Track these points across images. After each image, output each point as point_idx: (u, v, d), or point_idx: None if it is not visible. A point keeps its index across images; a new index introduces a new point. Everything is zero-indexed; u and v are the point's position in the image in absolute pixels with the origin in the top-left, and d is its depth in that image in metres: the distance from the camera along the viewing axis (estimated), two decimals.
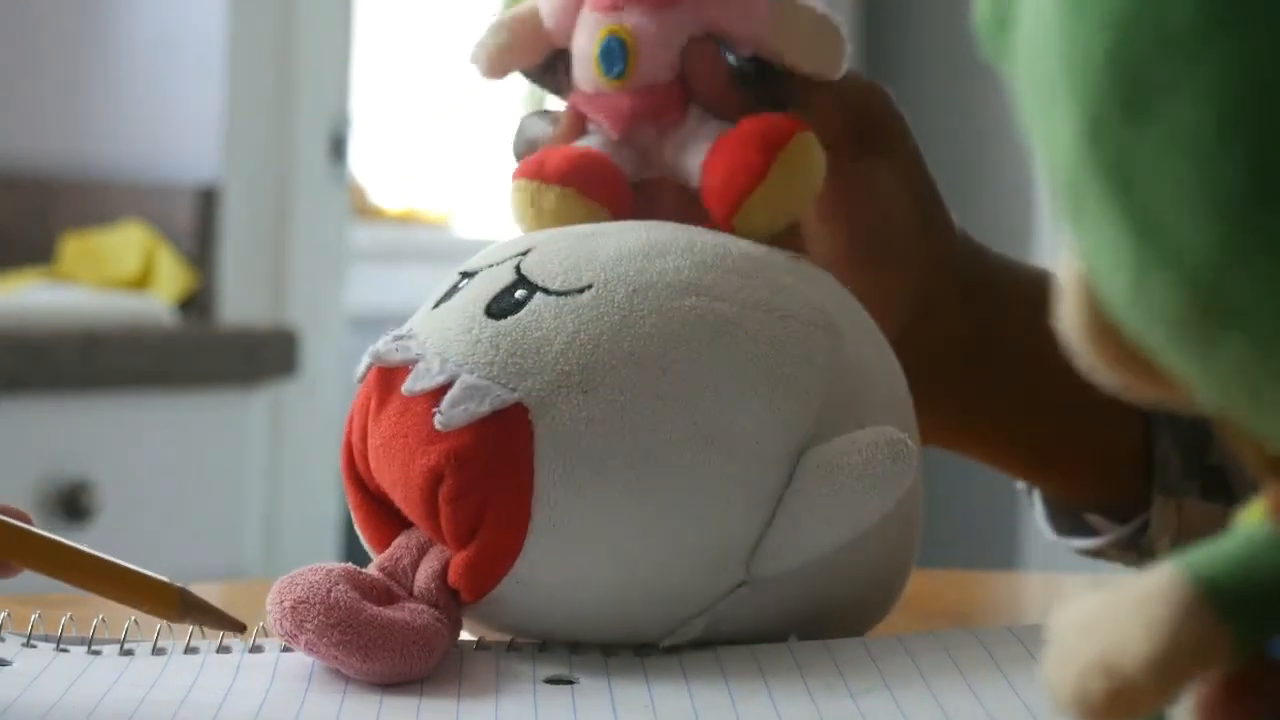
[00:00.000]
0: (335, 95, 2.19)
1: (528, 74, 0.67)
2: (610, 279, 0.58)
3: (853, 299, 0.62)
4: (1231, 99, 0.28)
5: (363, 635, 0.55)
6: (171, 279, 2.05)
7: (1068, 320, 0.33)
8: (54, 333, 1.83)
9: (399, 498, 0.58)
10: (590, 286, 0.57)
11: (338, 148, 2.18)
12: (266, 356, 1.99)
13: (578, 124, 0.66)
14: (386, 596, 0.57)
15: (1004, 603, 0.82)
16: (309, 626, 0.55)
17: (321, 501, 2.16)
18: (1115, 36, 0.29)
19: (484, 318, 0.58)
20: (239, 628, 0.57)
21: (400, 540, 0.59)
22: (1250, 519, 0.34)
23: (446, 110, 3.02)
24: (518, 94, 2.84)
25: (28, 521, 0.57)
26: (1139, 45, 0.29)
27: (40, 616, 0.60)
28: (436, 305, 0.60)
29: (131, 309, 1.94)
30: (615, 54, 0.64)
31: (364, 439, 0.59)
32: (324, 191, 2.18)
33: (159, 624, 0.59)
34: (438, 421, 0.56)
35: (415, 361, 0.58)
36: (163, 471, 1.93)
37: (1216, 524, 0.34)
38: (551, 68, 0.67)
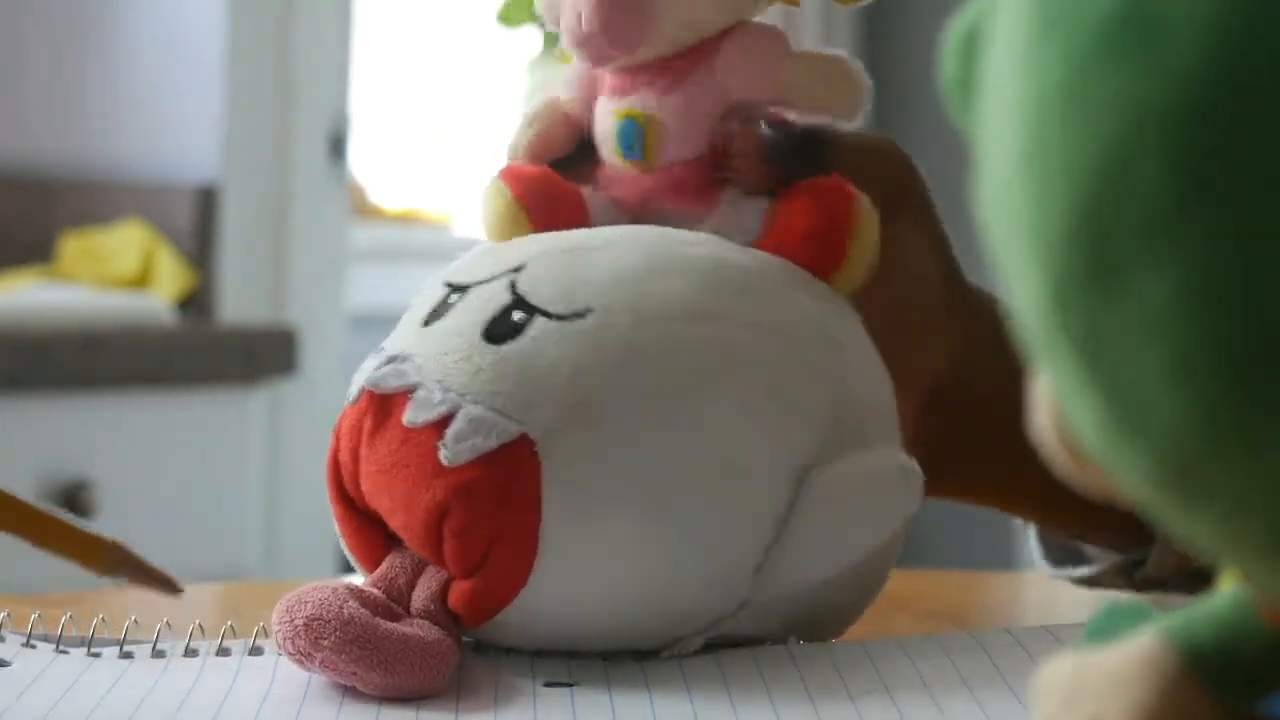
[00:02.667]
0: (335, 95, 2.19)
1: (558, 165, 0.66)
2: (611, 304, 0.57)
3: (846, 305, 0.61)
4: (1205, 279, 0.27)
5: (381, 650, 0.54)
6: (171, 278, 2.05)
7: (1041, 426, 0.32)
8: (54, 332, 1.83)
9: (398, 524, 0.57)
10: (591, 311, 0.56)
11: (337, 147, 2.18)
12: (266, 356, 1.99)
13: (562, 129, 0.65)
14: (390, 613, 0.56)
15: (1003, 603, 0.82)
16: (325, 644, 0.54)
17: (321, 501, 2.14)
18: (1081, 206, 0.28)
19: (483, 343, 0.56)
20: (172, 588, 0.54)
21: (393, 560, 0.58)
22: (1229, 582, 0.34)
23: (446, 110, 3.02)
24: (517, 94, 2.83)
25: None
26: (1107, 218, 0.27)
27: (40, 616, 0.60)
28: (427, 322, 0.59)
29: (131, 308, 1.94)
30: (631, 137, 0.62)
31: (355, 460, 0.58)
32: (324, 191, 2.18)
33: (159, 624, 0.59)
34: (443, 457, 0.55)
35: (413, 389, 0.56)
36: (162, 471, 1.93)
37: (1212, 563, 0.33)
38: (584, 153, 0.65)
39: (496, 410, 0.55)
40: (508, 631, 0.57)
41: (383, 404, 0.57)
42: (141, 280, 2.05)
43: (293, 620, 0.54)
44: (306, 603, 0.55)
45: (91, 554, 0.54)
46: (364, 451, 0.57)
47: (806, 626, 0.59)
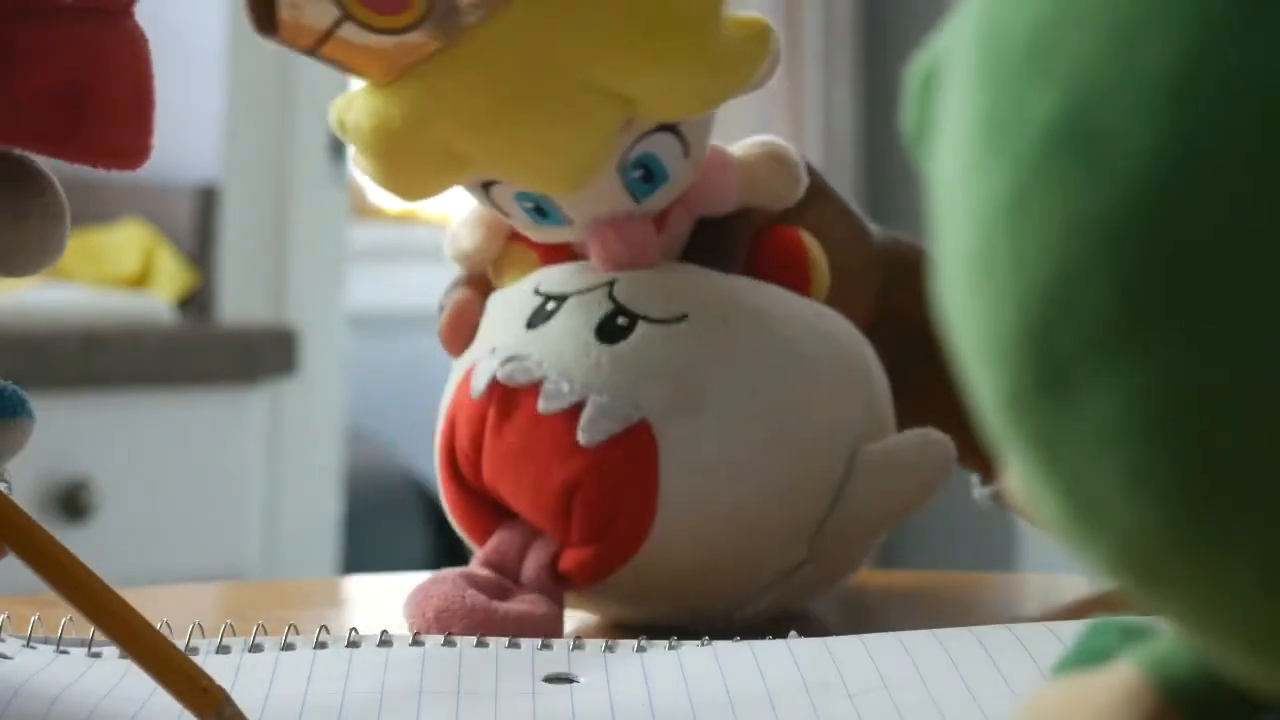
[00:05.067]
0: (335, 95, 2.19)
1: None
2: (703, 309, 0.66)
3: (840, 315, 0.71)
4: (1153, 397, 0.26)
5: (502, 630, 0.62)
6: (171, 278, 2.05)
7: (1014, 493, 0.32)
8: (53, 331, 1.83)
9: (525, 502, 0.65)
10: (687, 316, 0.66)
11: (337, 148, 2.19)
12: (266, 355, 2.00)
13: (499, 236, 0.71)
14: (500, 591, 0.64)
15: (1003, 603, 0.82)
16: (455, 630, 0.62)
17: (321, 500, 2.16)
18: (1030, 320, 0.28)
19: (598, 342, 0.65)
20: None
21: (502, 535, 0.66)
22: None
23: None
24: None
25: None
26: (1054, 333, 0.27)
27: (40, 618, 0.60)
28: (531, 325, 0.67)
29: (131, 308, 1.94)
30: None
31: (475, 446, 0.66)
32: (323, 191, 2.18)
33: (159, 622, 0.59)
34: (582, 438, 0.64)
35: (540, 382, 0.65)
36: (162, 470, 1.93)
37: None
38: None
39: (618, 399, 0.64)
40: (608, 595, 0.66)
41: (509, 396, 0.65)
42: (141, 280, 2.05)
43: (424, 614, 0.63)
44: (432, 596, 0.63)
45: (199, 699, 0.51)
46: (489, 439, 0.65)
47: (834, 581, 0.69)
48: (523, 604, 0.64)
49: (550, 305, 0.67)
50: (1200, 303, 0.26)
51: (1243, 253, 0.25)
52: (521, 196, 0.66)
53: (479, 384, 0.66)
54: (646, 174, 0.66)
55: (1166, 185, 0.26)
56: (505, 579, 0.65)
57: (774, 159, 0.70)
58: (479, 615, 0.62)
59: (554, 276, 0.68)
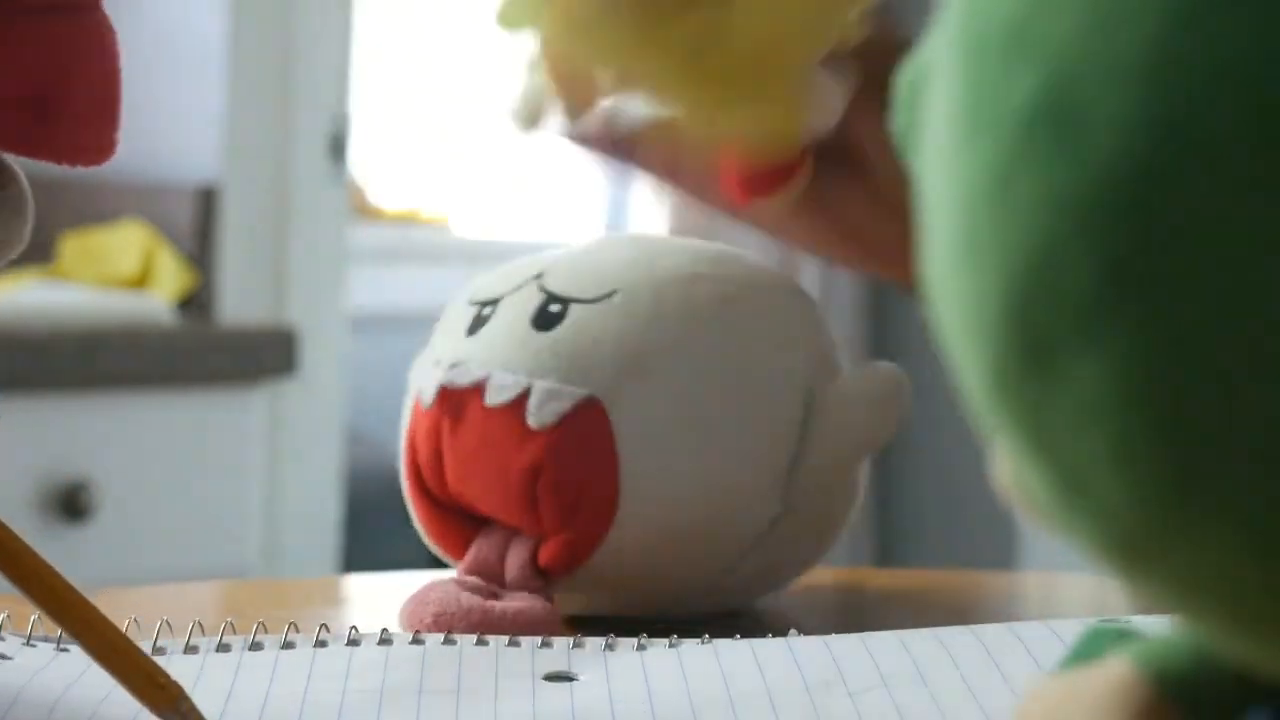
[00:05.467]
0: (335, 95, 2.19)
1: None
2: (631, 282, 0.67)
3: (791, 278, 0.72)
4: (1134, 370, 0.27)
5: (499, 629, 0.62)
6: (171, 278, 2.05)
7: (998, 477, 0.32)
8: (53, 332, 1.83)
9: (492, 500, 0.66)
10: (616, 291, 0.67)
11: (337, 148, 2.18)
12: (266, 356, 2.00)
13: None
14: (489, 596, 0.65)
15: (1003, 602, 0.82)
16: (456, 633, 0.61)
17: (321, 501, 2.16)
18: (1013, 298, 0.28)
19: (534, 332, 0.66)
20: None
21: (480, 544, 0.67)
22: None
23: (446, 110, 3.02)
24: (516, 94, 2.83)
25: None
26: (1038, 310, 0.28)
27: (40, 617, 0.60)
28: (471, 333, 0.68)
29: (131, 308, 1.94)
30: None
31: (436, 457, 0.67)
32: (323, 191, 2.18)
33: (159, 622, 0.59)
34: (532, 422, 0.65)
35: (484, 380, 0.66)
36: (162, 471, 1.93)
37: None
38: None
39: (562, 381, 0.65)
40: (593, 580, 0.66)
41: (457, 400, 0.66)
42: (141, 280, 2.05)
43: (422, 619, 0.63)
44: (429, 602, 0.64)
45: (156, 695, 0.51)
46: (447, 446, 0.66)
47: (821, 547, 0.70)
48: (516, 601, 0.64)
49: (486, 311, 0.68)
50: (1179, 275, 0.26)
51: (1220, 225, 0.26)
52: None
53: (427, 395, 0.67)
54: None
55: (1145, 161, 0.26)
56: (491, 584, 0.66)
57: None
58: (477, 615, 0.63)
59: (485, 284, 0.70)
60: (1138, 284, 0.27)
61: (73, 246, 2.05)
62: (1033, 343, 0.28)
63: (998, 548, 2.50)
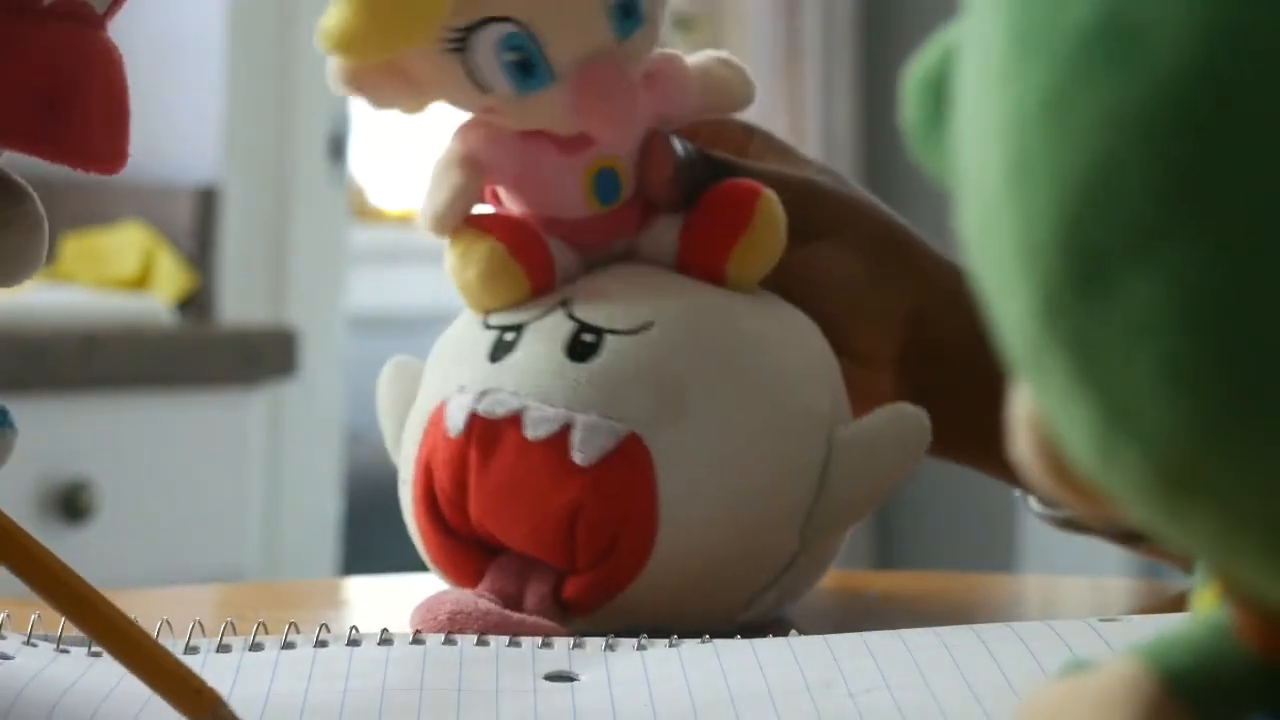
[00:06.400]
0: (335, 96, 2.19)
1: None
2: (667, 314, 0.66)
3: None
4: (1191, 285, 0.27)
5: (516, 633, 0.61)
6: (171, 279, 2.05)
7: (1023, 453, 0.32)
8: (53, 333, 1.83)
9: (523, 533, 0.64)
10: (653, 323, 0.65)
11: (337, 148, 2.19)
12: (266, 357, 2.00)
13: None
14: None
15: (1003, 603, 0.82)
16: (470, 631, 0.61)
17: (321, 501, 2.16)
18: (1068, 216, 0.28)
19: (570, 363, 0.65)
20: None
21: (495, 573, 0.65)
22: (1205, 603, 0.34)
23: (446, 111, 3.02)
24: None
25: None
26: (1093, 227, 0.28)
27: (40, 617, 0.60)
28: (494, 359, 0.66)
29: (131, 309, 1.94)
30: (611, 185, 0.68)
31: (459, 487, 0.65)
32: (323, 192, 2.18)
33: (159, 622, 0.59)
34: (578, 459, 0.63)
35: (522, 411, 0.64)
36: (162, 471, 1.93)
37: None
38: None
39: (604, 415, 0.64)
40: (613, 615, 0.64)
41: (490, 430, 0.64)
42: (141, 281, 2.05)
43: (436, 616, 0.62)
44: (445, 601, 0.62)
45: (193, 700, 0.51)
46: (474, 477, 0.64)
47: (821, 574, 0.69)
48: (532, 616, 0.63)
49: (508, 336, 0.66)
50: (1241, 185, 0.26)
51: None
52: (504, 46, 0.65)
53: (456, 422, 0.65)
54: (626, 9, 0.65)
55: (1205, 74, 0.26)
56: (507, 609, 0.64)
57: (726, 62, 0.70)
58: (494, 618, 0.62)
59: (493, 312, 0.68)
60: (1198, 197, 0.27)
61: (73, 247, 2.05)
62: (1086, 264, 0.28)
63: (998, 551, 2.50)
